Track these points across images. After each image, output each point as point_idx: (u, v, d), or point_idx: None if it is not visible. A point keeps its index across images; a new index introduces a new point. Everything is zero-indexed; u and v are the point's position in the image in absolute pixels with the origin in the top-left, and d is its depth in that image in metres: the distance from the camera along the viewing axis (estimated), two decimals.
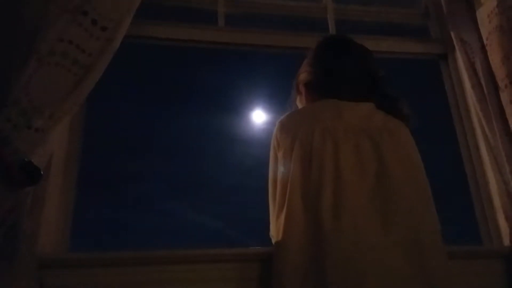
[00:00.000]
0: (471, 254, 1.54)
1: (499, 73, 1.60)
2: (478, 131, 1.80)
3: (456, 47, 1.87)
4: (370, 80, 1.41)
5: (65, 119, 1.25)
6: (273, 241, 1.31)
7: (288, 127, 1.32)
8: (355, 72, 1.41)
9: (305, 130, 1.26)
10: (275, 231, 1.27)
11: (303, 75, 1.46)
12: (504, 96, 1.57)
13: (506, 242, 1.60)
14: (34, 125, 1.14)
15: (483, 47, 1.73)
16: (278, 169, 1.30)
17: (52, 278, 1.25)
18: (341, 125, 1.26)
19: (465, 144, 1.87)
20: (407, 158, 1.25)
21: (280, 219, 1.21)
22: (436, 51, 2.10)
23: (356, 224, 1.09)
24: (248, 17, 2.07)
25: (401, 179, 1.18)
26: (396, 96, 1.40)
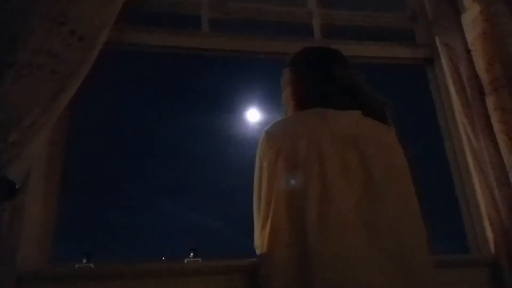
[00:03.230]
0: (458, 263, 1.53)
1: (484, 79, 1.60)
2: (464, 136, 1.79)
3: (441, 52, 1.86)
4: (355, 87, 1.41)
5: (45, 129, 1.22)
6: (257, 251, 1.30)
7: (273, 137, 1.31)
8: (339, 80, 1.41)
9: (290, 141, 1.24)
10: (259, 242, 1.26)
11: (286, 84, 1.45)
12: (489, 102, 1.56)
13: (492, 250, 1.59)
14: (10, 138, 1.11)
15: (467, 52, 1.73)
16: (263, 179, 1.28)
17: None
18: (327, 135, 1.24)
19: (451, 150, 1.87)
20: (393, 168, 1.24)
21: (265, 230, 1.19)
22: (423, 56, 2.10)
23: (342, 237, 1.08)
24: (234, 23, 2.06)
25: (387, 190, 1.16)
26: (383, 102, 1.40)
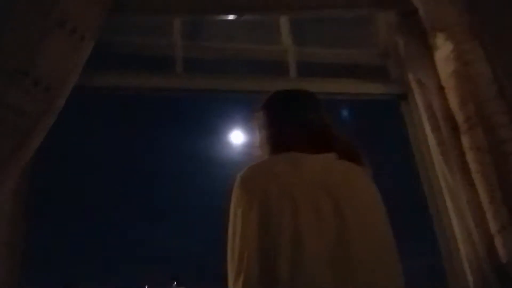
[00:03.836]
0: None
1: (459, 117, 1.59)
2: (440, 174, 1.78)
3: (414, 89, 1.87)
4: (328, 130, 1.39)
5: (6, 185, 1.16)
6: None
7: (247, 183, 1.27)
8: (312, 124, 1.40)
9: (262, 188, 1.21)
10: None
11: (261, 128, 1.43)
12: (464, 141, 1.56)
13: None
14: None
15: (440, 89, 1.73)
16: (237, 228, 1.24)
17: None
18: (299, 181, 1.21)
19: (429, 187, 1.86)
20: (367, 209, 1.21)
21: (238, 283, 1.14)
22: (396, 91, 2.11)
23: None
24: (208, 62, 2.05)
25: (363, 240, 1.13)
26: (356, 144, 1.39)
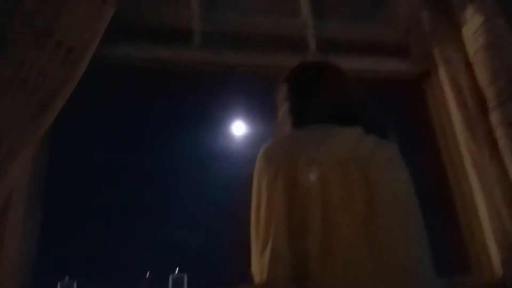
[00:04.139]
0: (461, 285, 1.46)
1: (488, 93, 1.55)
2: (465, 152, 1.73)
3: (440, 66, 1.82)
4: (355, 103, 1.34)
5: (26, 152, 1.13)
6: (255, 278, 1.22)
7: (272, 155, 1.23)
8: (338, 96, 1.34)
9: (289, 160, 1.16)
10: (257, 268, 1.17)
11: (283, 101, 1.38)
12: (493, 117, 1.51)
13: (498, 272, 1.52)
14: None
15: (468, 66, 1.69)
16: (262, 200, 1.20)
17: None
18: (328, 155, 1.17)
19: (451, 167, 1.82)
20: (397, 186, 1.17)
21: (264, 257, 1.11)
22: (418, 69, 2.06)
23: (346, 270, 1.00)
24: (226, 36, 2.00)
25: (392, 214, 1.09)
26: (383, 119, 1.34)
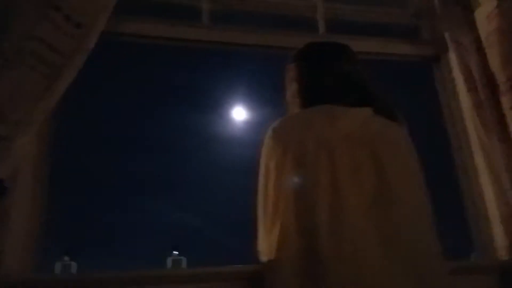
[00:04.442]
0: (464, 268, 1.47)
1: (500, 76, 1.53)
2: (473, 137, 1.73)
3: (451, 49, 1.79)
4: (364, 84, 1.33)
5: (33, 126, 1.12)
6: (261, 256, 1.22)
7: (281, 134, 1.23)
8: (348, 76, 1.33)
9: (297, 139, 1.16)
10: (265, 246, 1.18)
11: (292, 81, 1.37)
12: (504, 101, 1.50)
13: (502, 255, 1.53)
14: None
15: (479, 49, 1.66)
16: (270, 180, 1.20)
17: None
18: (337, 134, 1.16)
19: (458, 151, 1.81)
20: (406, 168, 1.17)
21: (273, 235, 1.11)
22: (428, 52, 2.03)
23: (354, 245, 1.01)
24: (234, 15, 1.97)
25: (400, 193, 1.09)
26: (392, 100, 1.33)
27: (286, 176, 1.13)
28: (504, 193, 1.49)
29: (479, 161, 1.68)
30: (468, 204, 1.72)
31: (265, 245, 1.16)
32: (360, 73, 1.35)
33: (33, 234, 1.30)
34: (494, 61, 1.55)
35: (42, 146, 1.37)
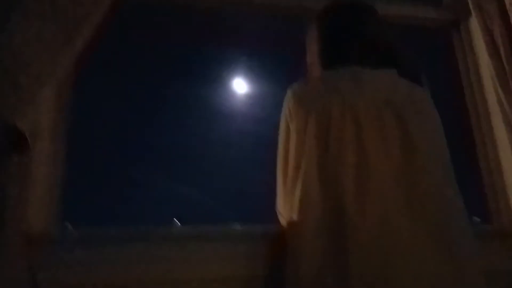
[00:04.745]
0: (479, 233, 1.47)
1: None
2: (492, 102, 1.70)
3: (473, 14, 1.74)
4: (390, 46, 1.30)
5: (52, 82, 1.10)
6: (280, 217, 1.22)
7: (302, 97, 1.20)
8: (373, 38, 1.29)
9: (321, 104, 1.13)
10: (285, 207, 1.18)
11: (313, 42, 1.33)
12: None
13: None
14: (18, 83, 0.99)
15: (503, 15, 1.62)
16: (291, 141, 1.18)
17: (41, 254, 1.15)
18: (362, 98, 1.14)
19: (476, 116, 1.79)
20: (432, 131, 1.15)
21: (295, 196, 1.10)
22: (449, 17, 1.99)
23: (381, 208, 0.99)
24: None
25: (427, 157, 1.08)
26: (417, 63, 1.30)
27: (309, 139, 1.11)
28: None
29: (499, 128, 1.66)
30: (486, 173, 1.72)
31: (287, 206, 1.15)
32: (385, 35, 1.31)
33: (53, 190, 1.31)
34: None
35: (61, 103, 1.36)
